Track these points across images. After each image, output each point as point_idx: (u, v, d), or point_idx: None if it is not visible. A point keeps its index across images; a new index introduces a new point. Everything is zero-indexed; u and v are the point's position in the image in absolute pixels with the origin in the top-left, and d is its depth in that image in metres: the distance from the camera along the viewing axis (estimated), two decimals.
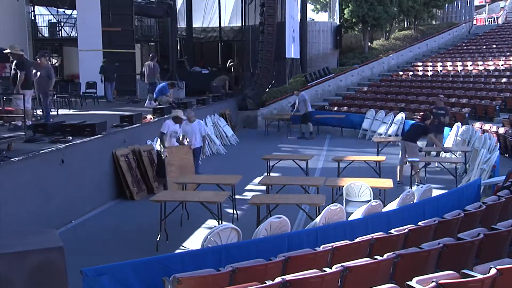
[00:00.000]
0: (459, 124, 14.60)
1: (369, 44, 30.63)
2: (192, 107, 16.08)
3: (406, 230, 5.47)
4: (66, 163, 8.57)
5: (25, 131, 9.57)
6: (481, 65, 24.21)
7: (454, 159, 11.91)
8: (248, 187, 10.92)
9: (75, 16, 21.82)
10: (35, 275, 4.58)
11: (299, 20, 26.27)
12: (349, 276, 4.13)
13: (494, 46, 27.72)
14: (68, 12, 23.90)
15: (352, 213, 7.06)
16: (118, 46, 18.65)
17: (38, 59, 11.04)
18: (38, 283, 4.60)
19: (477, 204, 6.69)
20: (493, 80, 21.62)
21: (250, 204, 7.57)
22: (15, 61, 10.57)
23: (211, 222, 8.24)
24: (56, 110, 12.86)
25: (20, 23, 19.32)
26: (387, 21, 28.92)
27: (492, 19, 37.98)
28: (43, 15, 24.54)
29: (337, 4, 29.47)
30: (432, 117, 11.66)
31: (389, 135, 16.97)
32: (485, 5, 40.24)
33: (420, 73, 25.18)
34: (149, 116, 13.01)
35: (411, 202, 7.25)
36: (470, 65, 24.47)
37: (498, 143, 12.25)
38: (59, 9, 24.05)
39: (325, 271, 4.17)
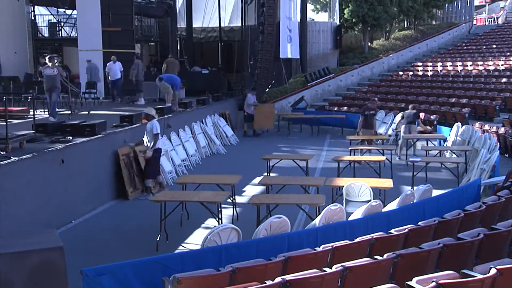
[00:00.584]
0: (459, 124, 14.61)
1: (369, 44, 30.62)
2: (192, 107, 16.14)
3: (406, 230, 5.46)
4: (66, 163, 8.57)
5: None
6: (481, 65, 24.19)
7: (455, 159, 11.92)
8: (248, 187, 10.92)
9: (75, 16, 21.85)
10: (35, 275, 4.58)
11: (299, 20, 26.28)
12: (349, 276, 4.13)
13: (494, 46, 27.70)
14: (68, 12, 23.94)
15: (352, 213, 7.06)
16: (118, 46, 18.60)
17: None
18: (38, 283, 4.60)
19: (477, 204, 6.68)
20: (493, 80, 21.59)
21: (250, 204, 7.58)
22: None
23: (211, 222, 8.25)
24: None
25: (20, 23, 19.35)
26: (387, 21, 28.91)
27: (492, 19, 37.95)
28: (43, 15, 24.57)
29: (337, 4, 29.44)
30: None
31: (389, 135, 16.97)
32: (485, 5, 40.21)
33: (420, 73, 25.17)
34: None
35: (411, 202, 7.25)
36: (470, 65, 24.45)
37: (498, 143, 12.25)
38: (59, 9, 24.09)
39: (325, 271, 4.16)
